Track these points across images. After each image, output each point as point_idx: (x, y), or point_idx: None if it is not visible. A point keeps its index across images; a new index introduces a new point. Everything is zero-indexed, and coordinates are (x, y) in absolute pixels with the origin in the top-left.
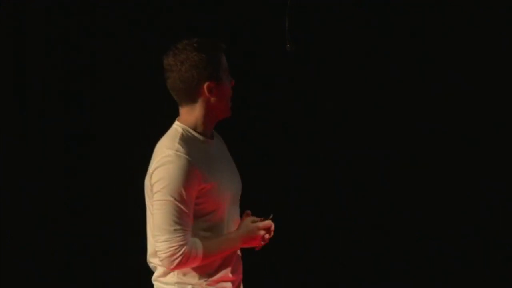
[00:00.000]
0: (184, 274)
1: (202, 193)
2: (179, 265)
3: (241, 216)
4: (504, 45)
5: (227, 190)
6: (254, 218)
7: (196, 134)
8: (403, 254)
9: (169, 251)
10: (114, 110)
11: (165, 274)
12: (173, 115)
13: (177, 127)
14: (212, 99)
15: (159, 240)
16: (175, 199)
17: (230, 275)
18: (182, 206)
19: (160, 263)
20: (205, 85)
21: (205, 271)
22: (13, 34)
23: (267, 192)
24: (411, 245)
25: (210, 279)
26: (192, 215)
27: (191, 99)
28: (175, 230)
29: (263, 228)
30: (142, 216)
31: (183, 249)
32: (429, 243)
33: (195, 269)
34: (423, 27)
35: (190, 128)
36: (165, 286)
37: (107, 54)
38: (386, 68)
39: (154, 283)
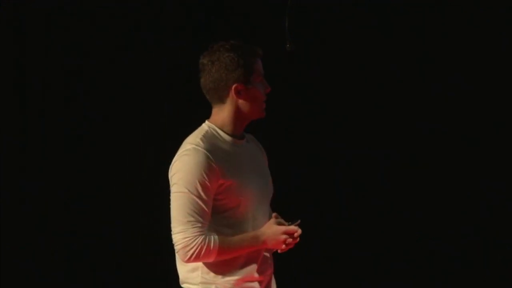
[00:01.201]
0: (208, 273)
1: (221, 190)
2: (193, 257)
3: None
4: (504, 45)
5: (251, 190)
6: (281, 221)
7: (222, 133)
8: (403, 254)
9: (183, 242)
10: (114, 110)
11: (191, 272)
12: (174, 115)
13: (204, 125)
14: (240, 101)
15: (174, 232)
16: (190, 191)
17: (256, 275)
18: (197, 199)
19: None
20: (233, 87)
21: (229, 270)
22: (13, 34)
23: None
24: (411, 245)
25: (235, 279)
26: (210, 209)
27: (220, 100)
28: (189, 221)
29: (287, 232)
30: (143, 216)
31: (197, 241)
32: (429, 243)
33: (219, 268)
34: (423, 27)
35: (217, 127)
36: (191, 286)
37: (107, 54)
38: (386, 68)
39: (183, 286)
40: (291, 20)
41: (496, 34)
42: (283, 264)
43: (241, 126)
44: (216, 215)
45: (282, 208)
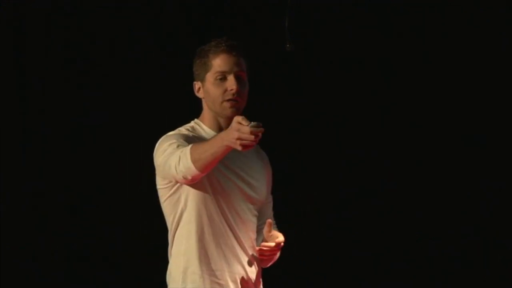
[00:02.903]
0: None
1: None
2: (179, 167)
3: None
4: (504, 45)
5: (223, 187)
6: (241, 119)
7: (206, 128)
8: (403, 254)
9: (172, 164)
10: (114, 110)
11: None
12: (174, 115)
13: (192, 122)
14: (205, 99)
15: (176, 167)
16: (172, 142)
17: (228, 267)
18: (178, 140)
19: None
20: (194, 84)
21: (205, 263)
22: (13, 34)
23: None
24: (411, 245)
25: (210, 271)
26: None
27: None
28: (172, 150)
29: (240, 129)
30: (143, 216)
31: (177, 152)
32: (429, 243)
33: (195, 263)
34: (423, 27)
35: (202, 123)
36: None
37: (107, 54)
38: (386, 68)
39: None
40: (291, 20)
41: (496, 34)
42: (283, 264)
43: (217, 123)
44: (187, 210)
45: (282, 208)
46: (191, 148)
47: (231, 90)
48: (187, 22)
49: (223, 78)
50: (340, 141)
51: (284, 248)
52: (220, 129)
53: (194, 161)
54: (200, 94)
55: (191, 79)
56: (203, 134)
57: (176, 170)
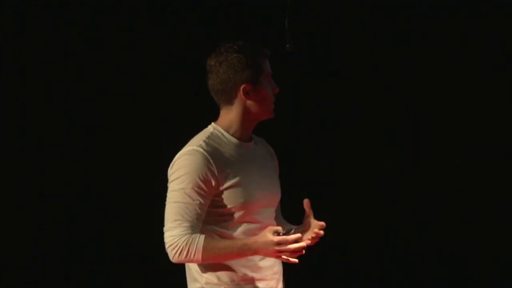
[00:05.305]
0: (206, 272)
1: (222, 192)
2: (177, 257)
3: None
4: (504, 45)
5: (255, 194)
6: (278, 229)
7: (227, 136)
8: (403, 254)
9: (169, 241)
10: (114, 109)
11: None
12: (174, 116)
13: (210, 127)
14: (249, 102)
15: (164, 230)
16: (184, 191)
17: (251, 274)
18: (190, 199)
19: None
20: (242, 87)
21: (224, 271)
22: (13, 34)
23: None
24: (412, 245)
25: (232, 279)
26: (204, 212)
27: (228, 101)
28: (177, 220)
29: (280, 243)
30: (143, 216)
31: (182, 239)
32: (430, 243)
33: (214, 269)
34: (423, 27)
35: (224, 129)
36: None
37: (108, 54)
38: (386, 67)
39: None
40: (291, 20)
41: (496, 34)
42: (282, 264)
43: (249, 128)
44: (219, 218)
45: (282, 208)
46: (204, 246)
47: (275, 92)
48: (187, 22)
49: (272, 81)
50: (340, 140)
51: None
52: (243, 136)
53: (204, 259)
54: (248, 98)
55: (190, 79)
56: (223, 144)
57: (172, 253)
